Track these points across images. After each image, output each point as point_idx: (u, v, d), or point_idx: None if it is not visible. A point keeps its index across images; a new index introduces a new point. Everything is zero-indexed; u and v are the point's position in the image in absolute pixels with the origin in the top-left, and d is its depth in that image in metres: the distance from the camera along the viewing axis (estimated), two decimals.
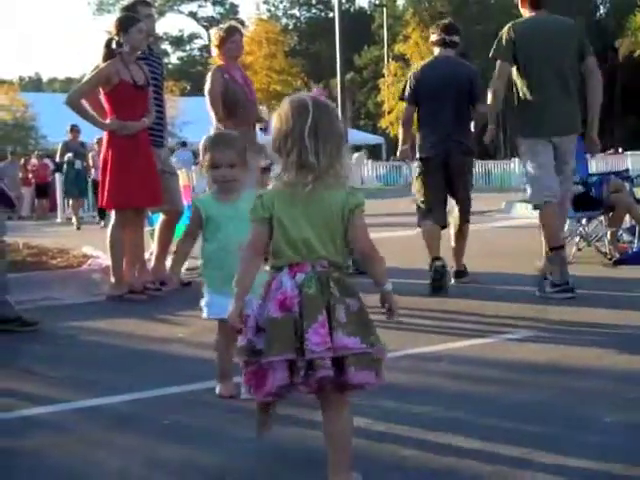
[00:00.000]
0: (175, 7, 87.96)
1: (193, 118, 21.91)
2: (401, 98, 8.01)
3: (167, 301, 7.35)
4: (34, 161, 28.28)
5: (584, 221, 9.15)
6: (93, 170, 18.65)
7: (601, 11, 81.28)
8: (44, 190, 27.09)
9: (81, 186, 19.34)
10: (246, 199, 3.70)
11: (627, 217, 9.19)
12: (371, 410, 3.86)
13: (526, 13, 7.16)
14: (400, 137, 8.00)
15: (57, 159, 19.81)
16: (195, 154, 22.11)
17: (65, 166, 19.14)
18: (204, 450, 3.47)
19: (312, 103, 2.88)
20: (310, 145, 2.82)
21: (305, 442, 3.49)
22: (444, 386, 4.34)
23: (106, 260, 8.14)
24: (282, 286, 2.83)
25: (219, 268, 4.04)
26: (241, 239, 3.08)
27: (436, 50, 7.81)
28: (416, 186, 7.70)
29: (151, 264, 8.16)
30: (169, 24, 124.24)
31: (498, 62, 7.04)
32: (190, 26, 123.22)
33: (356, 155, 36.36)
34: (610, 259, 8.65)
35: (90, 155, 19.16)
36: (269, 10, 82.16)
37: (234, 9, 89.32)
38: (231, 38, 8.07)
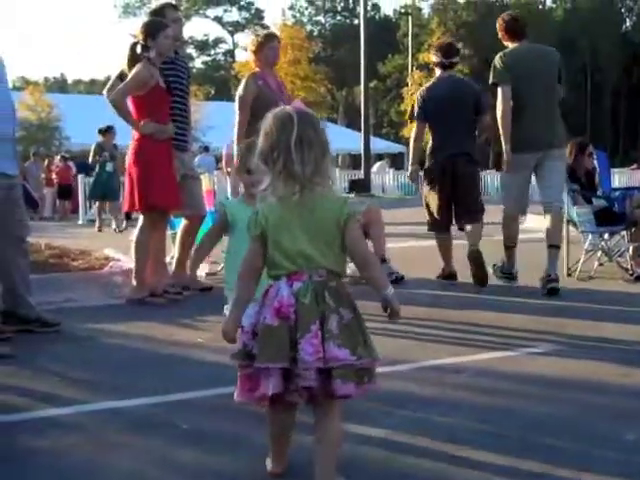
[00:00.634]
0: (201, 11, 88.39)
1: (217, 123, 22.01)
2: (411, 117, 8.59)
3: (187, 305, 7.38)
4: (58, 162, 28.36)
5: (606, 236, 9.09)
6: None
7: (627, 24, 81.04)
8: (67, 191, 27.18)
9: (113, 188, 18.89)
10: None
11: None
12: (390, 421, 3.87)
13: (510, 44, 8.09)
14: (410, 154, 8.75)
15: (90, 160, 19.56)
16: (217, 159, 22.15)
17: (97, 167, 18.80)
18: (221, 455, 3.47)
19: (296, 115, 2.96)
20: (296, 155, 2.89)
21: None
22: (464, 398, 4.32)
23: (127, 263, 8.17)
24: (279, 294, 2.90)
25: None
26: None
27: (437, 71, 8.58)
28: (427, 197, 8.39)
29: (172, 268, 8.18)
30: (194, 28, 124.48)
31: (500, 87, 7.83)
32: (215, 30, 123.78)
33: (378, 164, 36.38)
34: (632, 274, 8.59)
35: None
36: (294, 16, 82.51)
37: (259, 14, 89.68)
38: (269, 44, 8.11)
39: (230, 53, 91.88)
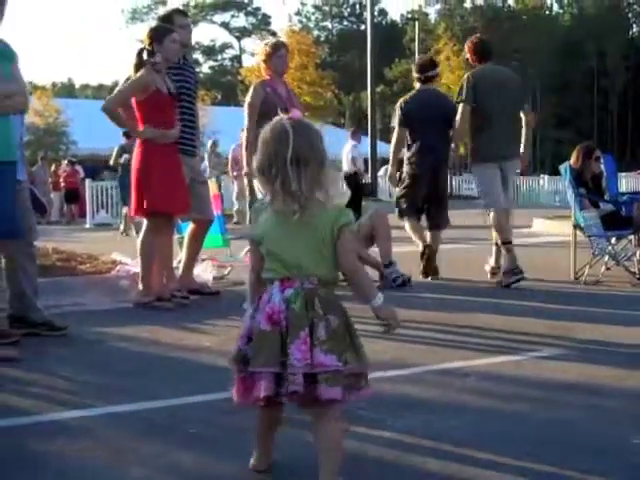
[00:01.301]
0: (208, 17, 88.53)
1: (223, 127, 22.02)
2: (392, 124, 9.42)
3: (194, 310, 7.39)
4: (65, 167, 28.45)
5: (613, 240, 9.09)
6: None
7: (634, 29, 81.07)
8: (73, 195, 27.27)
9: None
10: None
11: None
12: (397, 424, 3.87)
13: (477, 64, 8.98)
14: (391, 159, 9.64)
15: (111, 162, 19.46)
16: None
17: (120, 169, 18.64)
18: (229, 460, 3.46)
19: (292, 128, 2.98)
20: (292, 173, 2.93)
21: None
22: (470, 402, 4.32)
23: (134, 267, 8.19)
24: (271, 300, 2.97)
25: None
26: None
27: (417, 84, 9.54)
28: (402, 192, 9.30)
29: (179, 272, 8.19)
30: (201, 34, 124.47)
31: (461, 105, 8.77)
32: (222, 36, 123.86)
33: (384, 168, 36.34)
34: (639, 279, 8.59)
35: None
36: (301, 22, 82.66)
37: (266, 20, 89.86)
38: (277, 53, 8.25)
39: (237, 58, 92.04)
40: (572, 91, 75.04)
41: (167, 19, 8.16)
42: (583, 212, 8.90)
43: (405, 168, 9.32)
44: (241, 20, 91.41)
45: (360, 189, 14.08)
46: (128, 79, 7.65)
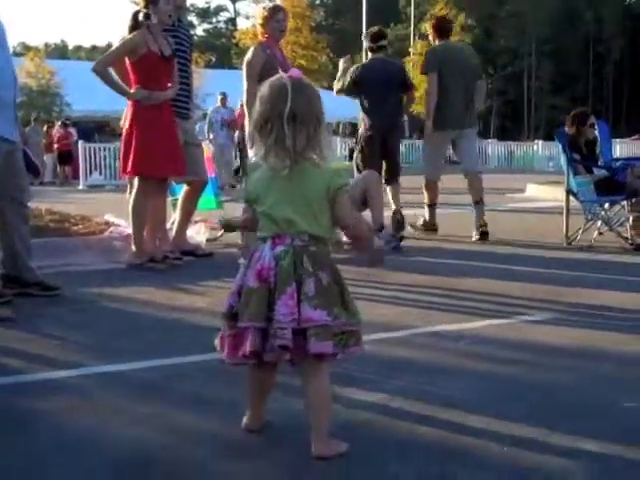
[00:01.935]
0: None
1: (216, 90, 21.86)
2: (341, 90, 9.83)
3: (187, 271, 7.41)
4: (58, 128, 28.33)
5: (606, 205, 9.11)
6: None
7: None
8: (66, 157, 27.21)
9: None
10: None
11: None
12: (387, 386, 3.89)
13: (437, 41, 9.97)
14: None
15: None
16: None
17: None
18: (222, 419, 3.48)
19: (291, 85, 3.01)
20: (288, 129, 2.96)
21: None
22: (462, 365, 4.34)
23: (127, 228, 8.18)
24: (261, 257, 3.00)
25: None
26: None
27: (369, 54, 9.94)
28: (360, 156, 9.53)
29: (172, 234, 8.19)
30: None
31: (430, 75, 9.67)
32: None
33: None
34: (631, 244, 8.62)
35: None
36: None
37: None
38: (275, 17, 8.16)
39: (232, 21, 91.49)
40: (567, 57, 74.68)
41: None
42: (576, 177, 8.91)
43: (360, 130, 9.71)
44: None
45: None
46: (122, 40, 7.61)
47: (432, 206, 10.06)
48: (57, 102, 37.78)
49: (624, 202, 9.03)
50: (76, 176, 25.29)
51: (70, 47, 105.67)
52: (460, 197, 13.36)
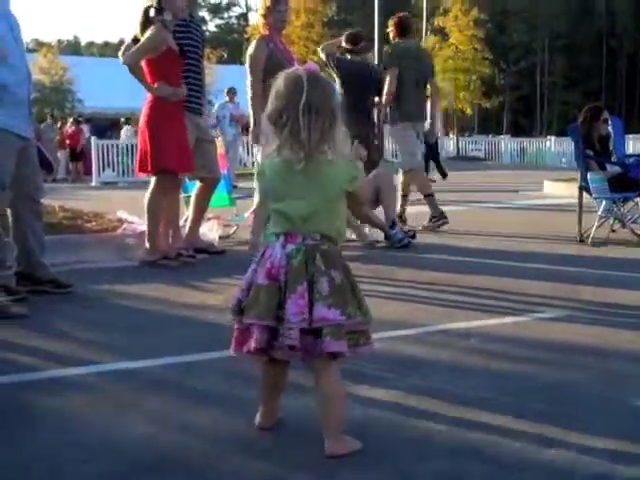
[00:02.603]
0: None
1: (229, 86, 21.83)
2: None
3: (200, 268, 7.42)
4: (70, 125, 28.42)
5: (620, 202, 9.07)
6: None
7: None
8: (77, 154, 27.30)
9: None
10: None
11: None
12: (400, 384, 3.89)
13: (397, 39, 10.31)
14: None
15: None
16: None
17: None
18: (235, 417, 3.49)
19: (307, 78, 2.99)
20: (303, 122, 2.95)
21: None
22: (473, 363, 4.34)
23: (140, 225, 8.20)
24: (272, 255, 2.99)
25: None
26: None
27: (348, 56, 9.81)
28: None
29: (185, 231, 8.20)
30: None
31: (390, 70, 9.93)
32: None
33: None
34: None
35: None
36: None
37: None
38: (278, 7, 8.10)
39: (243, 16, 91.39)
40: (580, 52, 74.43)
41: None
42: (590, 174, 8.88)
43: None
44: None
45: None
46: (135, 38, 7.59)
47: (428, 196, 10.15)
48: (69, 98, 37.87)
49: (637, 199, 9.01)
50: (88, 173, 25.33)
51: (83, 43, 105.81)
52: (469, 194, 13.35)
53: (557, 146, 35.38)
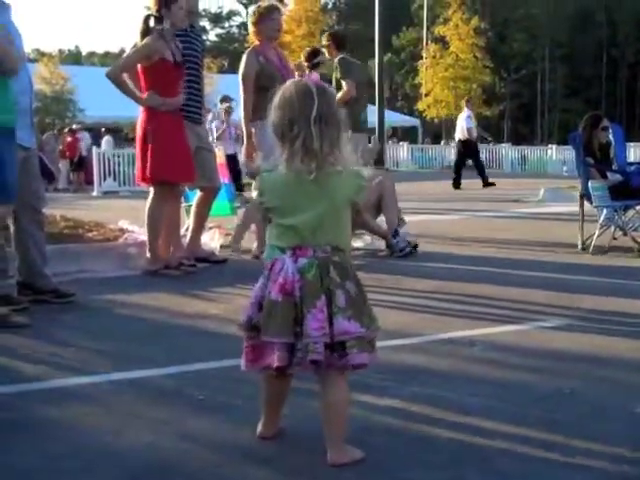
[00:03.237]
0: None
1: (229, 95, 21.83)
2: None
3: (201, 278, 7.41)
4: (66, 135, 28.53)
5: (621, 210, 9.06)
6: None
7: None
8: (78, 163, 27.37)
9: None
10: None
11: None
12: (403, 392, 3.89)
13: (335, 53, 10.01)
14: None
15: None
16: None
17: None
18: (238, 426, 3.49)
19: (316, 90, 2.98)
20: (315, 132, 2.92)
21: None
22: (476, 371, 4.34)
23: (142, 235, 8.18)
24: (284, 270, 2.95)
25: None
26: None
27: (307, 71, 10.07)
28: None
29: (186, 240, 8.20)
30: (208, 1, 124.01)
31: (349, 80, 9.62)
32: (229, 3, 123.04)
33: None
34: None
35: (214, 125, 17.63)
36: None
37: None
38: (270, 16, 8.00)
39: (244, 26, 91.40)
40: (581, 61, 74.43)
41: None
42: (591, 182, 8.87)
43: None
44: None
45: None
46: (135, 46, 7.61)
47: None
48: (70, 108, 37.89)
49: (639, 207, 9.00)
50: (89, 182, 25.34)
51: (84, 53, 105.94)
52: (471, 204, 13.36)
53: (558, 154, 35.37)
